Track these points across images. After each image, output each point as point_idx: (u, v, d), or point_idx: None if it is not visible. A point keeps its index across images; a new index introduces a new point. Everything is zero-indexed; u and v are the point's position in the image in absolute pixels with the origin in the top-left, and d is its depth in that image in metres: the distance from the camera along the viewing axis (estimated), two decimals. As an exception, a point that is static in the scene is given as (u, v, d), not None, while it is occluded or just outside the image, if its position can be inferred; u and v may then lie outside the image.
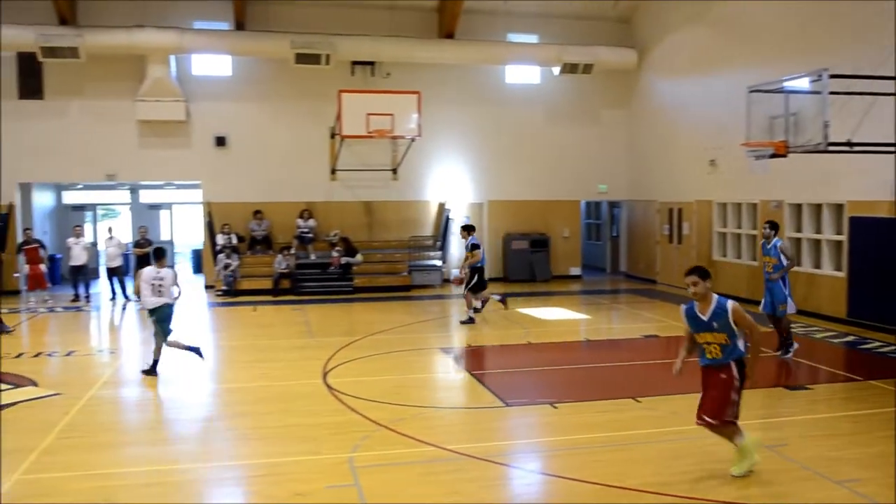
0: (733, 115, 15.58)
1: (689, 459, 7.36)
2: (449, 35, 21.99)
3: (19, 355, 13.25)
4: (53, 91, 21.01)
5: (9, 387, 10.87)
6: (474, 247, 16.12)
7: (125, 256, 20.67)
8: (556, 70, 22.56)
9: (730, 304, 6.72)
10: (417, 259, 22.39)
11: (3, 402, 10.05)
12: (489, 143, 23.34)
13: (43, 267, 19.37)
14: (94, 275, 22.76)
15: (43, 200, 23.43)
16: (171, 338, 11.70)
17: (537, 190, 23.61)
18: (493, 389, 10.32)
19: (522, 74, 23.58)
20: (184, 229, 28.65)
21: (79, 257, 19.87)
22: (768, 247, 12.07)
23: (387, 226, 22.77)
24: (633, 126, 23.98)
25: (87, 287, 20.35)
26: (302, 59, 20.51)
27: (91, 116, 21.15)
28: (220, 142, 21.77)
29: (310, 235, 21.59)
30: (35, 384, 11.02)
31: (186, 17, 21.17)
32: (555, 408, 9.26)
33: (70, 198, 25.95)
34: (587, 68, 22.27)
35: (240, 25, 21.13)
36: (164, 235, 27.14)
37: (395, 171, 21.38)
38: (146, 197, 27.07)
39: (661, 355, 12.43)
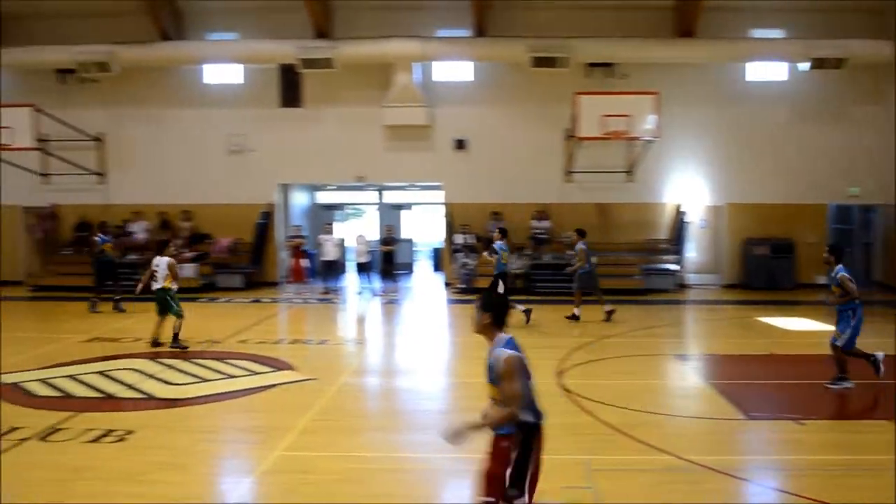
0: None
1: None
2: (687, 33, 21.37)
3: (278, 341, 14.52)
4: (311, 99, 22.77)
5: (270, 369, 11.98)
6: (493, 252, 16.06)
7: (372, 253, 21.97)
8: (804, 66, 21.26)
9: (503, 353, 5.21)
10: (652, 262, 21.98)
11: (266, 384, 11.11)
12: (728, 144, 22.44)
13: (304, 262, 21.28)
14: (343, 269, 24.39)
15: (299, 200, 25.43)
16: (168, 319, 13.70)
17: (780, 192, 22.34)
18: (732, 400, 9.97)
19: (765, 71, 22.42)
20: (424, 228, 29.96)
21: (330, 253, 21.41)
22: (832, 275, 10.61)
23: (621, 228, 22.53)
24: (890, 124, 22.03)
25: (336, 281, 21.90)
26: (539, 62, 20.78)
27: (343, 122, 22.68)
28: (460, 145, 22.56)
29: (544, 236, 21.86)
30: (292, 368, 12.02)
31: (431, 25, 22.16)
32: (801, 424, 8.80)
33: (322, 198, 27.94)
34: (838, 63, 20.74)
35: (480, 32, 21.75)
36: (406, 234, 28.48)
37: (630, 172, 21.10)
38: (390, 197, 28.54)
39: (923, 374, 11.40)
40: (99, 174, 22.92)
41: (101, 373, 11.66)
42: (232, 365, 12.25)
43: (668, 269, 21.88)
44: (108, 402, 10.15)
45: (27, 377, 11.39)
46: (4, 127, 19.59)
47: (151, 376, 11.50)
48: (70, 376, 11.44)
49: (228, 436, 9.14)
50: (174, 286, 13.69)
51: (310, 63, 21.07)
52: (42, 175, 22.14)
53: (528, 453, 5.26)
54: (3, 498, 7.10)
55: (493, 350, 5.32)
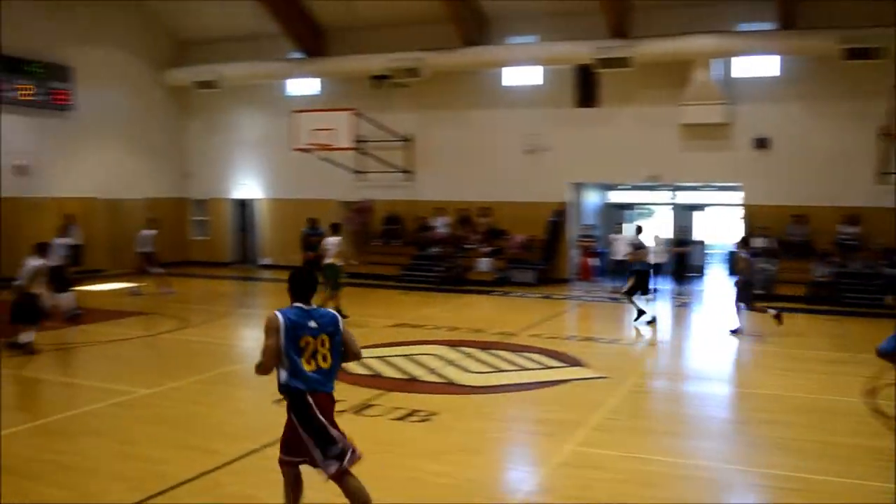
0: None
1: None
2: None
3: (568, 337, 14.91)
4: (606, 99, 22.89)
5: (562, 365, 12.39)
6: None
7: (667, 254, 21.65)
8: None
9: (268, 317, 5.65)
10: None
11: (558, 378, 11.53)
12: None
13: (594, 261, 21.51)
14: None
15: (591, 199, 25.73)
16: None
17: None
18: None
19: None
20: (718, 230, 28.97)
21: (620, 252, 21.44)
22: None
23: (947, 236, 20.27)
24: None
25: (625, 280, 21.85)
26: (852, 54, 19.22)
27: (638, 122, 22.56)
28: (761, 143, 21.52)
29: (853, 243, 20.23)
30: (583, 365, 12.33)
31: (732, 20, 21.34)
32: None
33: (613, 197, 27.99)
34: None
35: (786, 24, 20.60)
36: (698, 235, 27.70)
37: (960, 174, 19.01)
38: (682, 198, 27.89)
39: None
40: (407, 172, 24.77)
41: (406, 356, 12.76)
42: (525, 357, 12.83)
43: None
44: (413, 384, 11.10)
45: (344, 356, 12.74)
46: (329, 129, 21.83)
47: (451, 363, 12.38)
48: (380, 357, 12.63)
49: (522, 426, 9.66)
50: (338, 262, 16.40)
51: (606, 63, 21.21)
52: (357, 173, 24.37)
53: (298, 419, 5.69)
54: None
55: None
